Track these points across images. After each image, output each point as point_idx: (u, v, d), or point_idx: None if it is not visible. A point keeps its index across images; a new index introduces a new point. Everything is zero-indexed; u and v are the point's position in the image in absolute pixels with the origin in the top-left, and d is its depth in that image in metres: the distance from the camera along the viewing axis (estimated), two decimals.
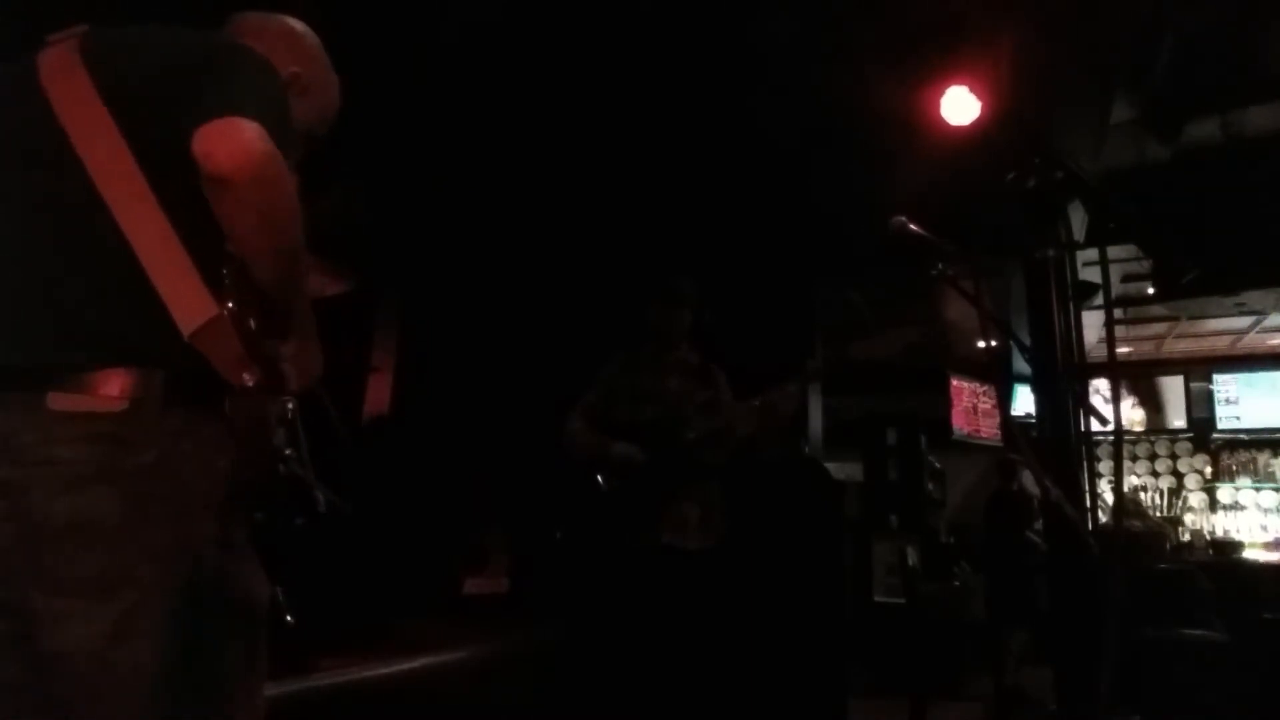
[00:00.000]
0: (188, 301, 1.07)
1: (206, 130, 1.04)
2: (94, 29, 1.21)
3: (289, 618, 2.36)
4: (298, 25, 1.42)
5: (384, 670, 2.62)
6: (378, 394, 4.34)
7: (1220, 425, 8.03)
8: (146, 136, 1.11)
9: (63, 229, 1.11)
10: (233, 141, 1.04)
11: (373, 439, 4.13)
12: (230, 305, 1.11)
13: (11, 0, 2.04)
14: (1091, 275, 3.46)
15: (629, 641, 2.64)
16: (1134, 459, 8.23)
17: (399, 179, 4.12)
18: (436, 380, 4.44)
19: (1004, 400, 7.71)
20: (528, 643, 3.36)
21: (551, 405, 3.00)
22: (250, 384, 1.10)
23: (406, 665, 2.73)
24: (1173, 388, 8.22)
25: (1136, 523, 6.25)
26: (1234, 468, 8.06)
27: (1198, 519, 7.98)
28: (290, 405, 1.26)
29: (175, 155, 1.06)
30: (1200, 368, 8.18)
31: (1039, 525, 4.99)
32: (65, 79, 1.14)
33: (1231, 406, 7.98)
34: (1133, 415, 8.21)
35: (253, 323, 1.14)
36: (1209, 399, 8.13)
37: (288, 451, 1.22)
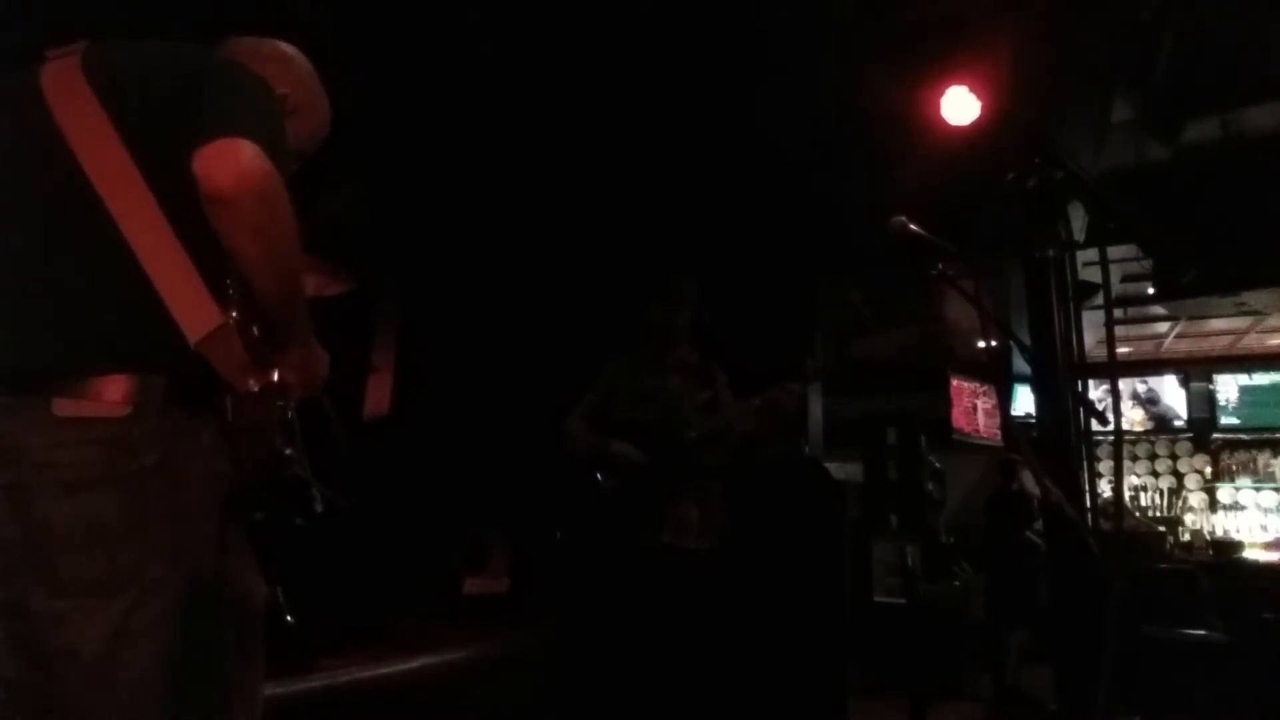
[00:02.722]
0: (194, 309, 1.09)
1: (207, 150, 1.06)
2: (94, 44, 1.23)
3: (289, 618, 2.37)
4: (289, 49, 1.45)
5: (384, 670, 2.62)
6: (378, 394, 4.34)
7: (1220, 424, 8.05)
8: (149, 148, 1.13)
9: (67, 237, 1.13)
10: (233, 162, 1.06)
11: (373, 439, 4.12)
12: (234, 314, 1.13)
13: (11, 15, 2.05)
14: (1091, 275, 3.45)
15: (629, 641, 2.64)
16: (1134, 459, 8.23)
17: (399, 179, 4.12)
18: (436, 380, 4.44)
19: (1004, 400, 7.70)
20: (528, 643, 3.36)
21: (551, 405, 3.00)
22: (255, 390, 1.12)
23: (406, 665, 2.73)
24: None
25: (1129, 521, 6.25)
26: (1234, 468, 8.06)
27: (1198, 519, 7.98)
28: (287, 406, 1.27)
29: (177, 166, 1.08)
30: (1200, 368, 8.17)
31: (1039, 525, 4.99)
32: (68, 92, 1.16)
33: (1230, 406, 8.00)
34: (1133, 415, 8.22)
35: (256, 330, 1.16)
36: (1209, 399, 8.13)
37: (288, 452, 1.23)
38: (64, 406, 1.04)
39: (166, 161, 1.10)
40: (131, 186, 1.10)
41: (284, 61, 1.42)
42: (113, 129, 1.12)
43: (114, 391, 1.06)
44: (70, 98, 1.15)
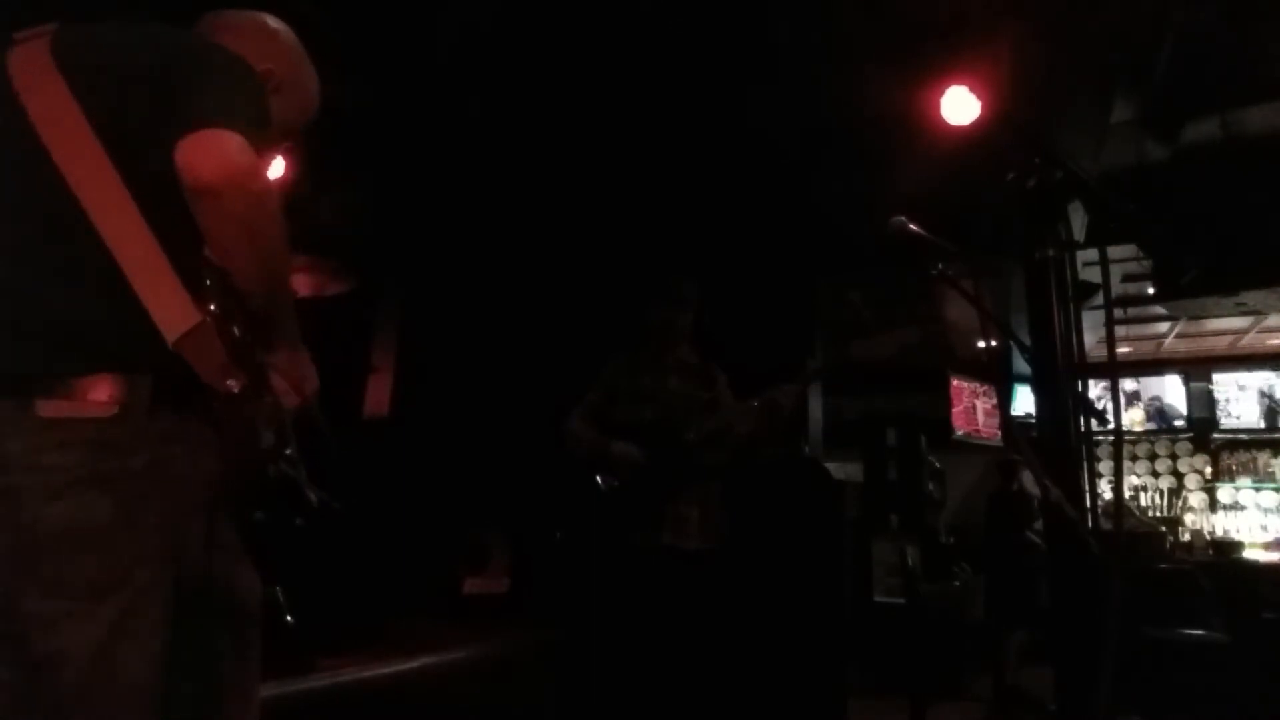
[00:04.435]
0: (170, 308, 1.06)
1: (189, 142, 1.03)
2: (64, 27, 1.17)
3: (289, 618, 2.37)
4: (272, 22, 1.39)
5: (384, 670, 2.62)
6: (378, 394, 4.34)
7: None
8: (122, 137, 1.09)
9: (41, 234, 1.10)
10: (216, 155, 1.03)
11: (373, 439, 4.13)
12: (213, 310, 1.10)
13: None
14: (1091, 275, 3.45)
15: (629, 642, 2.63)
16: (1134, 459, 8.23)
17: (399, 179, 4.12)
18: (436, 380, 4.44)
19: (1004, 400, 7.70)
20: (528, 643, 3.36)
21: (551, 405, 3.00)
22: (235, 390, 1.09)
23: (406, 665, 2.73)
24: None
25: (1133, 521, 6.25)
26: (1234, 468, 8.05)
27: (1198, 519, 7.98)
28: (277, 405, 1.25)
29: (153, 156, 1.05)
30: (1200, 368, 8.17)
31: (1039, 525, 4.98)
32: (37, 80, 1.11)
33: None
34: (1133, 415, 8.23)
35: (236, 329, 1.13)
36: (1209, 399, 8.13)
37: (287, 451, 1.22)
38: (48, 408, 1.02)
39: (142, 151, 1.07)
40: (104, 179, 1.07)
41: (267, 36, 1.36)
42: (84, 118, 1.08)
43: (99, 392, 1.03)
44: (39, 84, 1.11)
